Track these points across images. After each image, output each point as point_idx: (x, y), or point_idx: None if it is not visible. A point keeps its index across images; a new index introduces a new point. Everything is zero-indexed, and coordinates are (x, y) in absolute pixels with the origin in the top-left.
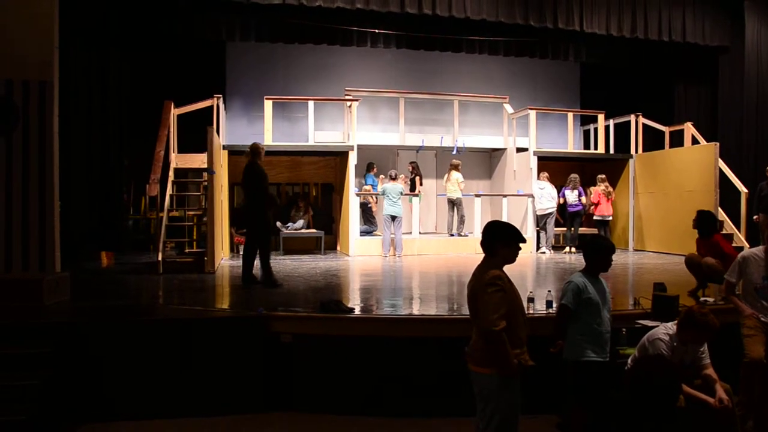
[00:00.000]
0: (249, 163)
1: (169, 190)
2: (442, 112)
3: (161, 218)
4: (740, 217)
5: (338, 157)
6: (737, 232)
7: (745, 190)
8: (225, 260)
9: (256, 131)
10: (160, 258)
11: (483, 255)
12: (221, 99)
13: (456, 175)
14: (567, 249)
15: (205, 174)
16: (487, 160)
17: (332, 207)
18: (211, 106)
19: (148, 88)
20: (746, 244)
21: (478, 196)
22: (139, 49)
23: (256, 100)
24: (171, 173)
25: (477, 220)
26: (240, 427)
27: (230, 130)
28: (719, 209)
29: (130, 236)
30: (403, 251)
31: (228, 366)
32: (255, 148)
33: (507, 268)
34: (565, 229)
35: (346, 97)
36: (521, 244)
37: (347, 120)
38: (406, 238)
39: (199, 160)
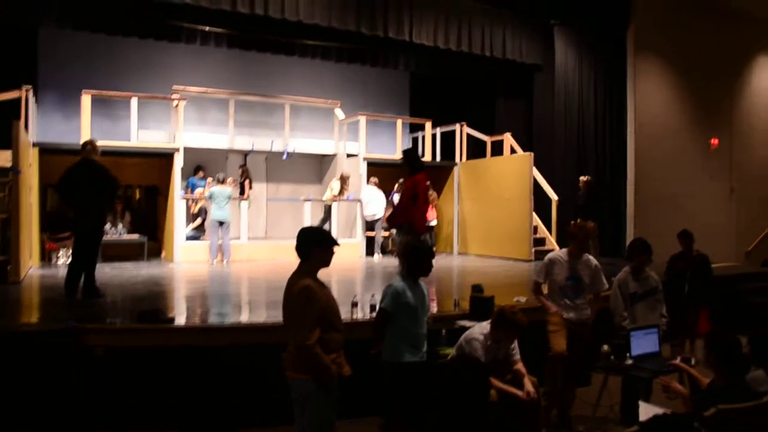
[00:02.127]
0: (86, 160)
1: None
2: (273, 115)
3: None
4: (551, 222)
5: (164, 158)
6: (549, 235)
7: (556, 198)
8: (34, 269)
9: (73, 128)
10: None
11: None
12: (31, 91)
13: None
14: (396, 253)
15: (11, 173)
16: (318, 165)
17: (157, 211)
18: (19, 98)
19: None
20: (556, 247)
21: (307, 200)
22: None
23: (73, 94)
24: None
25: (306, 222)
26: None
27: (42, 126)
28: (533, 214)
29: None
30: (231, 257)
31: (40, 386)
32: (93, 144)
33: (333, 274)
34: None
35: (173, 96)
36: (335, 248)
37: (174, 120)
38: (234, 243)
39: (3, 158)
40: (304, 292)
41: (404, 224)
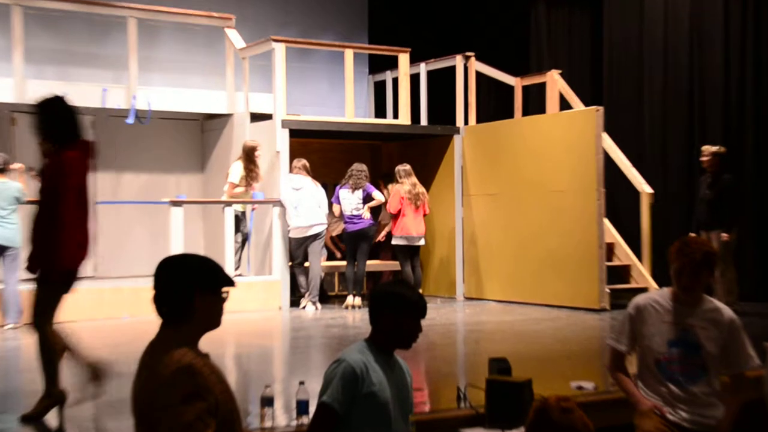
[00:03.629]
0: None
1: None
2: (105, 41)
3: None
4: (641, 236)
5: None
6: (636, 262)
7: (648, 190)
8: None
9: None
10: None
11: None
12: None
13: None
14: (349, 300)
15: None
16: (197, 136)
17: None
18: None
19: None
20: (652, 284)
21: (177, 203)
22: None
23: None
24: None
25: (175, 246)
26: None
27: None
28: (607, 223)
29: None
30: (22, 317)
31: None
32: None
33: (227, 342)
34: (344, 263)
35: None
36: (230, 290)
37: None
38: (29, 289)
39: None
40: (185, 376)
41: (44, 270)
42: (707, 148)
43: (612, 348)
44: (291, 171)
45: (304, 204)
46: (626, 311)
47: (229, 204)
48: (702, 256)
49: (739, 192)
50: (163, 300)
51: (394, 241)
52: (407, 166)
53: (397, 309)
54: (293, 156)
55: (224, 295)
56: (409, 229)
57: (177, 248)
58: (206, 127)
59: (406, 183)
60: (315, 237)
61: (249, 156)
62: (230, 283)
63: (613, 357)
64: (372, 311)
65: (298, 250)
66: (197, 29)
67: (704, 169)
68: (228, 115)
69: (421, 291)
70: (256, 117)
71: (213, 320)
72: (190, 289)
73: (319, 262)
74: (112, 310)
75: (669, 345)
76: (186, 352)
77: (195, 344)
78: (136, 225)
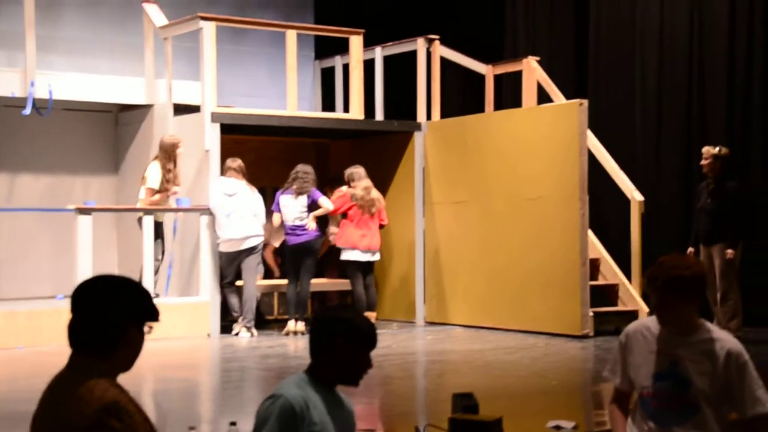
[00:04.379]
0: None
1: None
2: None
3: None
4: (630, 251)
5: None
6: (626, 282)
7: (640, 197)
8: None
9: None
10: None
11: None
12: None
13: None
14: (291, 325)
15: None
16: (110, 131)
17: None
18: None
19: None
20: (643, 307)
21: (85, 211)
22: None
23: None
24: None
25: (83, 263)
26: None
27: None
28: (591, 235)
29: None
30: None
31: None
32: None
33: (145, 375)
34: (284, 281)
35: None
36: (153, 325)
37: None
38: None
39: None
40: (110, 414)
41: None
42: (708, 150)
43: (614, 385)
44: (223, 173)
45: (237, 212)
46: (619, 341)
47: (148, 212)
48: (664, 281)
49: (745, 201)
50: (84, 331)
51: (342, 256)
52: (360, 169)
53: (343, 338)
54: (225, 156)
55: (148, 330)
56: (356, 242)
57: (85, 265)
58: (121, 121)
59: (359, 187)
60: (250, 251)
61: (168, 154)
62: (153, 315)
63: (614, 391)
64: (313, 339)
65: (229, 267)
66: (109, 3)
67: (705, 175)
68: (147, 107)
69: (375, 314)
70: (180, 109)
71: (134, 358)
72: (124, 322)
73: (254, 281)
74: (4, 339)
75: (654, 378)
76: (108, 387)
77: (115, 380)
78: (35, 237)
